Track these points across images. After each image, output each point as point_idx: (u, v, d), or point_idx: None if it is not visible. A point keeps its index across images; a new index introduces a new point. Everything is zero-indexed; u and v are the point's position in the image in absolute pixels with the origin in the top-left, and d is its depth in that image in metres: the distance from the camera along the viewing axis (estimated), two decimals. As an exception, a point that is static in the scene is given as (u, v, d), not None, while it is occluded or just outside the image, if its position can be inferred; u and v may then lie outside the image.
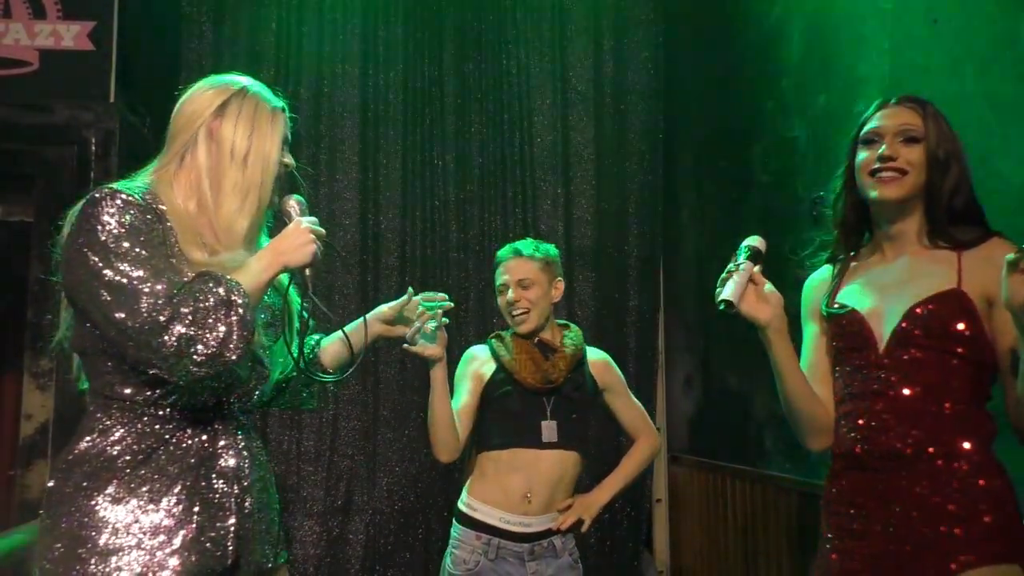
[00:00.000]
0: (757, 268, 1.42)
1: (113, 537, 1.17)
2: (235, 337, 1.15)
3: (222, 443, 1.27)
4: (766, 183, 2.49)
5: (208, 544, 1.22)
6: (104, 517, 1.17)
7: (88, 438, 1.22)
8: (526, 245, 2.08)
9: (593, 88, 3.13)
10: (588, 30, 3.14)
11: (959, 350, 1.30)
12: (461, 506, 2.01)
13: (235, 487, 1.27)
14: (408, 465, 2.92)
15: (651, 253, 3.15)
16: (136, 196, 1.23)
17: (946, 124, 1.37)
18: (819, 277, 1.53)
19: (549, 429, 1.98)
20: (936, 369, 1.31)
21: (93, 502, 1.18)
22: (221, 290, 1.16)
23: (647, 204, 3.13)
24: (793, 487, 2.26)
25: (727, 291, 1.40)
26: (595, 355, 2.16)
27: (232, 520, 1.25)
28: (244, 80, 1.39)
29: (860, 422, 1.37)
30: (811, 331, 1.52)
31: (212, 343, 1.13)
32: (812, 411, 1.45)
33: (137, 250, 1.17)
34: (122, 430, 1.22)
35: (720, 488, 2.71)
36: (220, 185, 1.30)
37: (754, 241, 1.45)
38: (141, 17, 2.64)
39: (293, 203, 1.37)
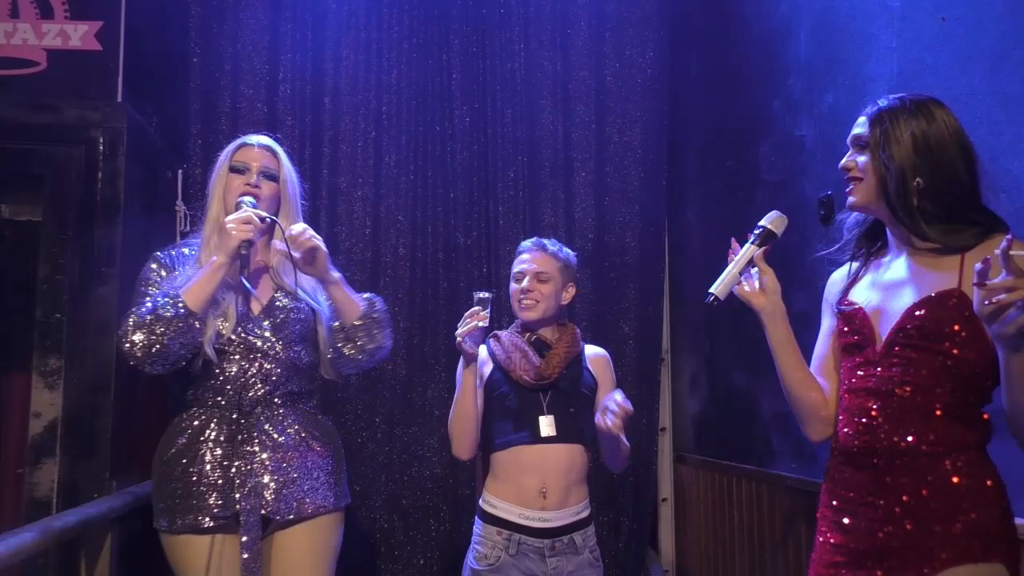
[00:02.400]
0: (762, 250, 1.51)
1: (171, 482, 1.82)
2: (145, 339, 1.73)
3: (240, 422, 1.83)
4: (773, 182, 2.48)
5: (219, 496, 1.78)
6: (166, 471, 1.84)
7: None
8: (551, 242, 2.19)
9: (596, 86, 3.13)
10: (592, 28, 3.13)
11: (954, 352, 1.30)
12: (482, 503, 2.06)
13: (231, 454, 1.80)
14: (430, 460, 2.92)
15: (655, 252, 3.14)
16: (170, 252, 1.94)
17: (912, 127, 1.36)
18: (840, 273, 1.56)
19: (547, 424, 2.02)
20: (929, 369, 1.32)
21: (163, 460, 1.85)
22: (150, 304, 1.77)
23: (651, 203, 3.13)
24: (799, 487, 2.26)
25: (716, 282, 1.52)
26: (593, 351, 2.20)
27: (227, 477, 1.78)
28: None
29: (855, 418, 1.40)
30: (825, 325, 1.57)
31: (139, 347, 1.74)
32: (808, 398, 1.50)
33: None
34: (178, 417, 1.90)
35: (726, 488, 2.71)
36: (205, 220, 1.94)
37: (767, 221, 1.54)
38: (148, 17, 2.64)
39: (241, 203, 1.84)
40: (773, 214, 1.55)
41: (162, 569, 2.58)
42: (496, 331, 2.18)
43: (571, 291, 2.18)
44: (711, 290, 1.52)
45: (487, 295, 1.99)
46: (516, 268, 2.15)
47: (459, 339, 1.95)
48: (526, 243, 2.20)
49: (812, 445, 2.22)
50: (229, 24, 2.92)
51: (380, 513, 2.89)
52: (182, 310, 1.73)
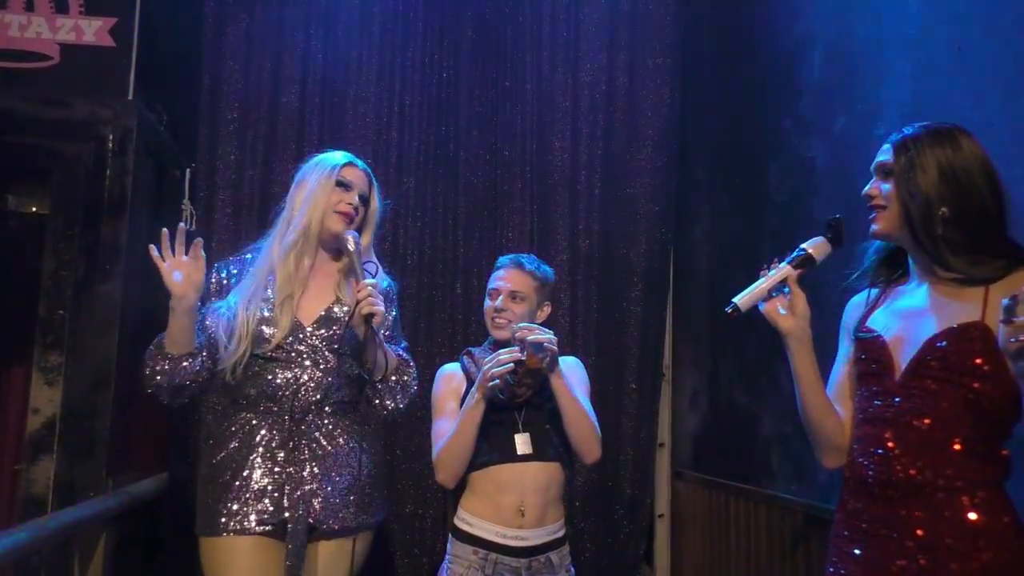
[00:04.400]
0: (797, 273, 1.48)
1: (219, 485, 1.80)
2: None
3: (292, 429, 1.81)
4: (782, 202, 2.48)
5: (270, 501, 1.77)
6: (215, 474, 1.81)
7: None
8: (529, 260, 2.12)
9: (607, 100, 3.11)
10: (604, 43, 3.13)
11: (975, 385, 1.28)
12: (457, 522, 2.01)
13: (284, 461, 1.79)
14: (408, 477, 2.90)
15: (661, 266, 3.13)
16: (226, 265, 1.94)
17: (938, 155, 1.34)
18: (859, 299, 1.54)
19: (523, 442, 1.99)
20: (950, 402, 1.30)
21: (212, 463, 1.83)
22: None
23: (659, 217, 3.12)
24: (799, 509, 2.25)
25: (741, 294, 1.49)
26: (565, 361, 2.15)
27: (278, 484, 1.78)
28: (323, 155, 1.96)
29: (871, 448, 1.38)
30: (843, 351, 1.54)
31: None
32: (826, 426, 1.48)
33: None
34: (226, 421, 1.87)
35: (723, 506, 2.70)
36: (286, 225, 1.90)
37: (809, 245, 1.51)
38: (163, 15, 2.65)
39: (347, 238, 1.86)
40: (818, 239, 1.51)
41: (156, 570, 2.57)
42: (469, 348, 2.16)
43: (546, 310, 2.13)
44: (734, 300, 1.48)
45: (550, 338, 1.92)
46: (491, 285, 2.09)
47: (490, 377, 1.89)
48: (504, 259, 2.13)
49: (812, 467, 2.22)
50: (243, 24, 2.91)
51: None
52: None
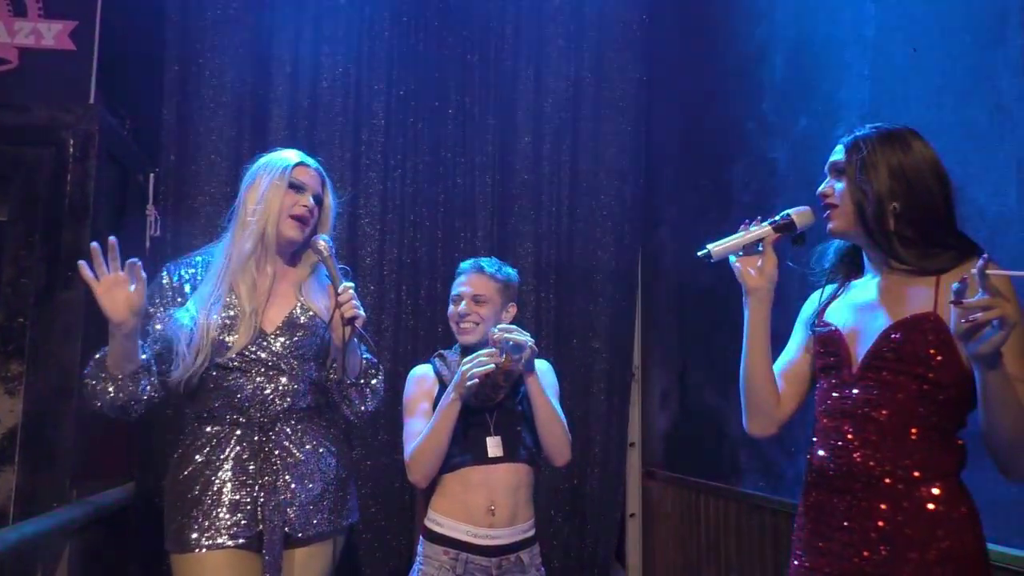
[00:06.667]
0: (775, 236, 1.51)
1: (188, 500, 1.75)
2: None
3: (261, 439, 1.78)
4: (746, 203, 2.51)
5: (244, 515, 1.74)
6: (182, 490, 1.76)
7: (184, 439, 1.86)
8: (490, 263, 2.12)
9: (574, 103, 3.14)
10: (571, 47, 3.15)
11: (930, 375, 1.31)
12: (427, 523, 2.02)
13: (255, 472, 1.76)
14: (376, 480, 2.88)
15: (629, 267, 3.15)
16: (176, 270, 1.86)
17: (888, 155, 1.38)
18: (818, 294, 1.57)
19: (494, 444, 2.00)
20: (905, 392, 1.33)
21: (179, 479, 1.78)
22: None
23: (626, 219, 3.14)
24: (766, 505, 2.28)
25: (717, 242, 1.51)
26: (536, 364, 2.15)
27: (251, 496, 1.75)
28: (273, 154, 1.91)
29: (831, 441, 1.41)
30: (799, 336, 1.58)
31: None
32: (763, 390, 1.51)
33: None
34: (192, 435, 1.82)
35: (694, 504, 2.72)
36: (242, 230, 1.83)
37: (794, 211, 1.52)
38: (124, 18, 2.60)
39: (320, 243, 1.85)
40: (803, 208, 1.52)
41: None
42: (441, 350, 2.17)
43: (512, 311, 2.13)
44: (708, 246, 1.50)
45: (527, 341, 1.93)
46: (454, 291, 2.10)
47: (469, 377, 1.90)
48: (464, 265, 2.13)
49: (780, 465, 2.25)
50: (207, 29, 2.88)
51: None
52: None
